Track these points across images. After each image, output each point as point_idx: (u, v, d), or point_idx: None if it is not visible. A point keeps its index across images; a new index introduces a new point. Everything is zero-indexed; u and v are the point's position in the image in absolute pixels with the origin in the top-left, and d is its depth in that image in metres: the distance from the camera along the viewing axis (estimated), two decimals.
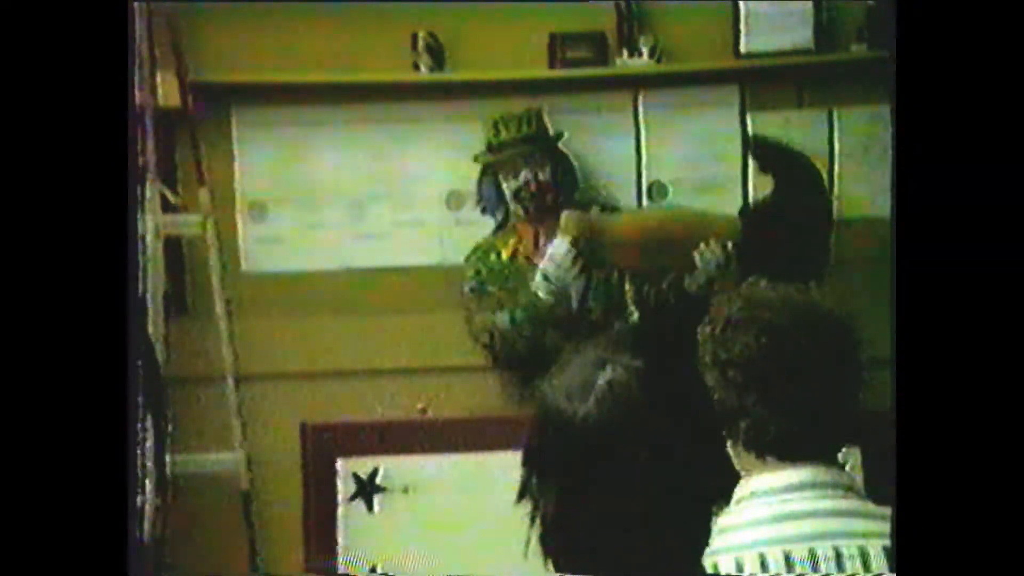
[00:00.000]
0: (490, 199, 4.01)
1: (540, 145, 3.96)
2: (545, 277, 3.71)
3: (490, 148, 3.97)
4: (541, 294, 3.73)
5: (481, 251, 3.99)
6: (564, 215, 3.74)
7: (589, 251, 3.69)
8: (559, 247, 3.69)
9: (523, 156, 3.93)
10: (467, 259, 4.00)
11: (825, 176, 4.09)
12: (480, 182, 4.03)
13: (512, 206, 3.95)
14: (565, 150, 4.05)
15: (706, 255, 3.65)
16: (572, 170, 4.06)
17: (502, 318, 3.79)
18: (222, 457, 3.89)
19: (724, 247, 3.66)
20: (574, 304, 3.83)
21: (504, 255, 3.95)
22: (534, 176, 3.91)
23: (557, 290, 3.73)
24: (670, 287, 3.78)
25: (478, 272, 3.95)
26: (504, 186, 3.95)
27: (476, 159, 4.01)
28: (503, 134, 3.94)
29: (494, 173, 3.97)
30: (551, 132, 4.02)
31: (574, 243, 3.67)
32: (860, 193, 4.22)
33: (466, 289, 3.94)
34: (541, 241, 3.89)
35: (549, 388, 1.62)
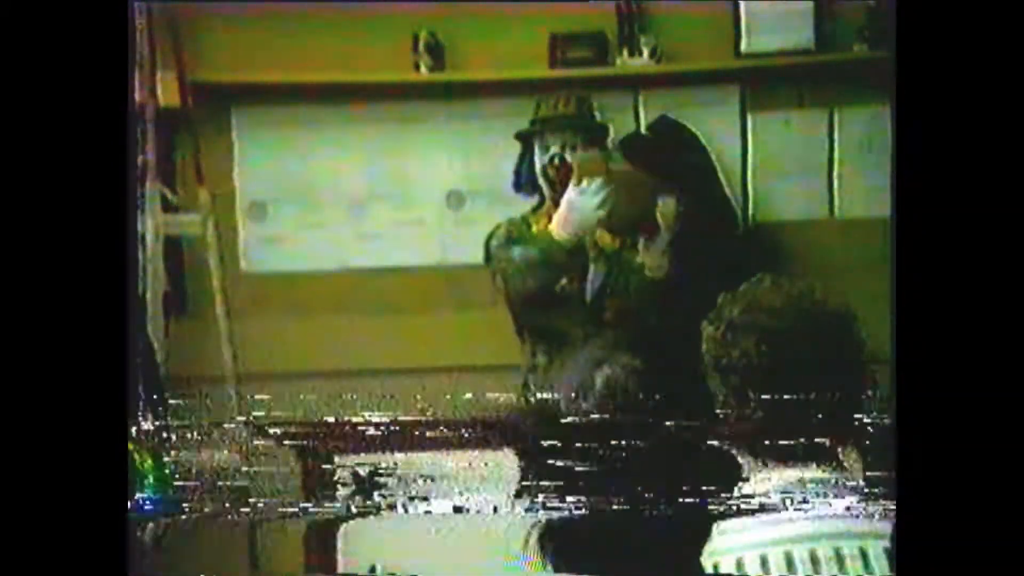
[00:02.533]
0: (523, 175, 3.99)
1: (577, 126, 3.93)
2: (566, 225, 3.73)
3: (531, 124, 3.97)
4: (556, 236, 3.73)
5: (509, 223, 3.94)
6: (580, 158, 3.76)
7: (607, 183, 3.71)
8: (580, 191, 3.70)
9: (556, 131, 3.91)
10: (496, 227, 3.95)
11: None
12: (519, 159, 4.01)
13: (542, 185, 3.92)
14: (609, 146, 4.03)
15: (666, 212, 3.69)
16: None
17: (518, 251, 3.77)
18: (222, 457, 3.89)
19: (678, 201, 3.70)
20: (588, 296, 3.81)
21: (535, 229, 3.91)
22: (561, 153, 3.88)
23: (575, 236, 3.73)
24: (633, 274, 3.78)
25: (508, 231, 3.90)
26: (536, 162, 3.93)
27: (517, 135, 4.00)
28: (543, 110, 3.94)
29: (531, 149, 3.96)
30: (597, 121, 4.01)
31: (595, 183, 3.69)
32: (860, 193, 4.22)
33: (494, 243, 3.90)
34: None
35: (548, 387, 1.63)
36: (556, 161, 3.87)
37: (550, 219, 3.89)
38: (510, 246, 3.81)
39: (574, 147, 3.89)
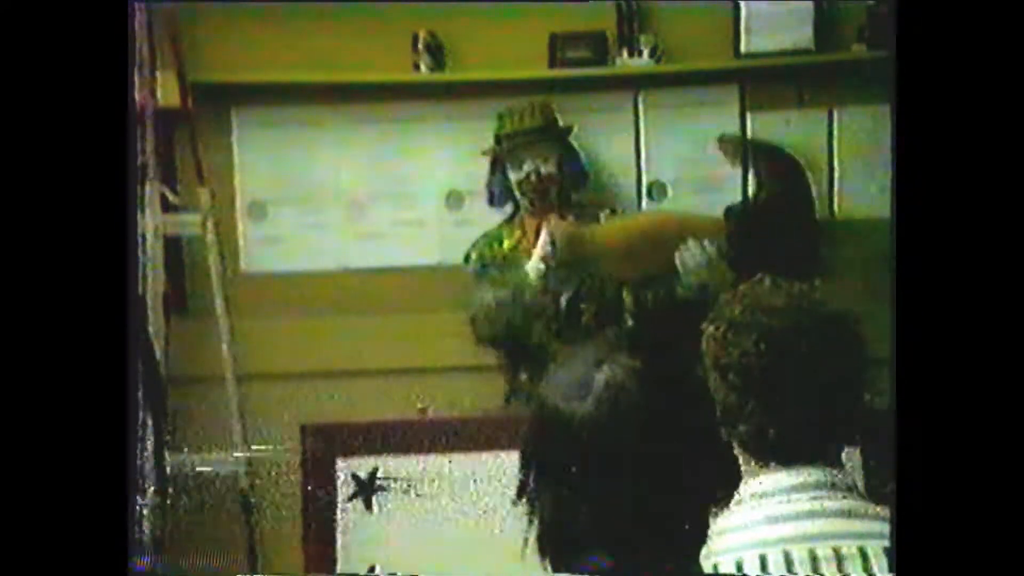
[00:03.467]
0: (497, 191, 4.02)
1: (546, 137, 3.96)
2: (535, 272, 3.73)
3: (497, 140, 3.98)
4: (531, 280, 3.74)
5: (485, 241, 3.99)
6: (545, 226, 3.72)
7: (573, 261, 3.69)
8: (538, 255, 3.70)
9: (527, 147, 3.92)
10: (472, 245, 3.99)
11: (816, 174, 4.07)
12: (490, 175, 4.03)
13: (518, 198, 3.95)
14: (575, 145, 4.05)
15: (686, 257, 3.64)
16: (580, 165, 4.05)
17: (488, 296, 3.78)
18: (222, 457, 3.89)
19: (703, 247, 3.63)
20: (563, 304, 3.83)
21: (507, 246, 3.94)
22: (536, 168, 3.91)
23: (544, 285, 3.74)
24: (664, 294, 3.77)
25: (481, 256, 3.94)
26: (511, 177, 3.95)
27: (484, 153, 4.01)
28: (508, 126, 3.96)
29: (502, 165, 3.98)
30: (560, 125, 4.02)
31: (554, 254, 3.66)
32: (860, 193, 4.22)
33: (468, 271, 3.94)
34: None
35: (547, 388, 1.63)
36: (533, 178, 3.90)
37: (523, 231, 3.93)
38: (481, 285, 3.83)
39: (548, 158, 3.91)
